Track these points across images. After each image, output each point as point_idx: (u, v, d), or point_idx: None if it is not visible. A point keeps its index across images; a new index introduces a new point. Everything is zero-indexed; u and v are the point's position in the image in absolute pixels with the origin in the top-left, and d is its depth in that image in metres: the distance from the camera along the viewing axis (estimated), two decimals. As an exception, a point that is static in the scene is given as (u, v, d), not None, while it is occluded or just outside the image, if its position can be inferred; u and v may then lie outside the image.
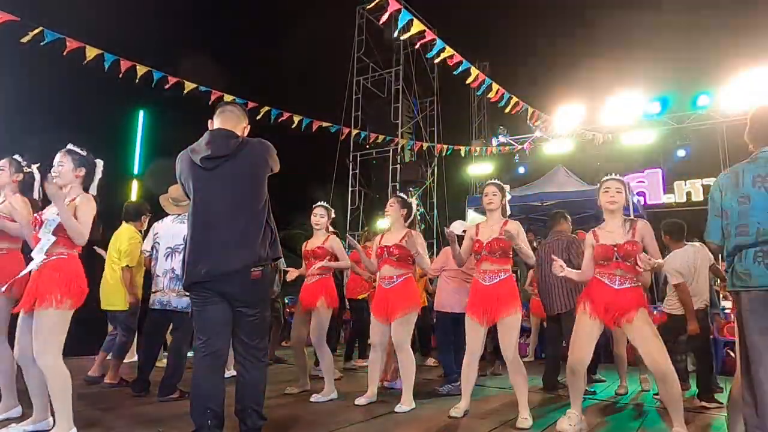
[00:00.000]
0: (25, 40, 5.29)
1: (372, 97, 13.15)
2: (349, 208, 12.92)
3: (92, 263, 4.98)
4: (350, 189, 13.01)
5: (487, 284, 3.61)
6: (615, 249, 3.13)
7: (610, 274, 3.16)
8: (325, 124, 9.20)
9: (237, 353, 2.55)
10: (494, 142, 12.64)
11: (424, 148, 11.46)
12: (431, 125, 13.58)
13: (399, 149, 12.00)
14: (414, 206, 4.23)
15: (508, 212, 3.85)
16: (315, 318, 4.26)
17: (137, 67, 6.34)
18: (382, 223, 9.60)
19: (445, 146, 11.62)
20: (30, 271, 2.77)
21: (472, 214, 9.67)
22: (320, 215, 4.42)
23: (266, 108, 8.03)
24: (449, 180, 13.24)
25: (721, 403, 4.27)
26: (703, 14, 10.59)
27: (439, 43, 6.22)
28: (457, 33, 12.04)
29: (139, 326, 4.61)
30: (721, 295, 7.20)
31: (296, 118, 8.54)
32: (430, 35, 6.10)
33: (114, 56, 6.10)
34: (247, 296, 2.47)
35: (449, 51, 6.31)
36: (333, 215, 4.63)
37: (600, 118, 10.64)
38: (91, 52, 5.86)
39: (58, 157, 2.89)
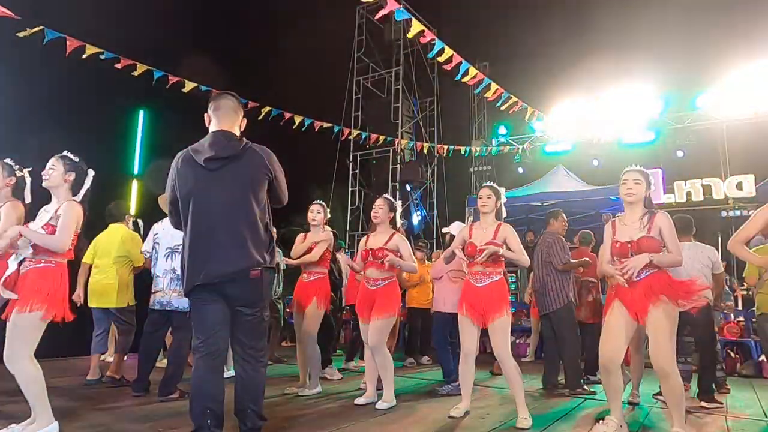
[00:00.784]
0: (22, 35, 5.29)
1: (372, 97, 13.15)
2: (349, 208, 12.93)
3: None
4: (350, 189, 13.01)
5: (479, 285, 3.63)
6: (629, 246, 3.07)
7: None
8: (326, 125, 9.20)
9: (236, 354, 2.54)
10: (494, 142, 12.66)
11: (425, 150, 11.46)
12: (431, 125, 13.58)
13: (399, 149, 11.99)
14: (399, 208, 4.23)
15: (504, 214, 3.86)
16: (306, 317, 4.28)
17: (137, 65, 6.34)
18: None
19: (446, 146, 11.63)
20: (8, 276, 2.79)
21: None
22: (316, 211, 4.47)
23: (267, 108, 8.04)
24: (449, 180, 13.23)
25: (721, 404, 4.27)
26: (703, 14, 10.59)
27: (438, 43, 6.22)
28: (457, 33, 12.05)
29: (140, 326, 4.61)
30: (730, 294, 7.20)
31: (297, 119, 8.55)
32: (429, 35, 6.09)
33: (114, 54, 6.09)
34: (245, 296, 2.47)
35: (448, 51, 6.31)
36: (329, 214, 4.67)
37: (600, 118, 10.64)
38: (91, 51, 5.85)
39: (50, 162, 2.95)
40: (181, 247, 4.07)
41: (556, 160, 11.24)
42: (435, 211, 13.05)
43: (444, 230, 3.99)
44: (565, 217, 5.14)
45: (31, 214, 3.04)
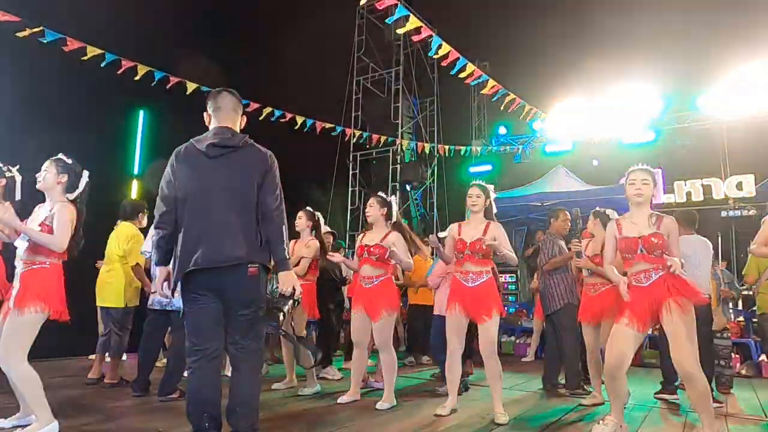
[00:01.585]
0: (21, 35, 5.28)
1: (372, 97, 13.15)
2: (349, 208, 12.92)
3: (88, 262, 5.01)
4: (350, 189, 13.00)
5: (469, 286, 3.65)
6: (639, 240, 3.03)
7: (636, 274, 3.04)
8: (327, 126, 9.21)
9: (229, 354, 2.50)
10: (494, 142, 12.66)
11: (427, 150, 11.45)
12: (431, 125, 13.56)
13: (399, 149, 11.99)
14: (395, 204, 4.22)
15: (495, 210, 3.87)
16: (295, 321, 4.29)
17: (138, 66, 6.34)
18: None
19: (446, 147, 11.63)
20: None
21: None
22: (300, 218, 4.58)
23: (269, 109, 8.03)
24: (449, 180, 13.22)
25: (721, 403, 4.27)
26: (703, 14, 10.58)
27: (435, 40, 6.21)
28: (456, 32, 12.03)
29: (140, 326, 4.61)
30: (721, 297, 7.21)
31: (299, 119, 8.55)
32: (426, 31, 6.08)
33: (115, 56, 6.10)
34: (241, 294, 2.41)
35: (446, 47, 6.30)
36: (321, 219, 4.75)
37: (600, 118, 10.64)
38: (92, 52, 5.85)
39: (44, 165, 3.00)
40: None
41: (556, 160, 11.24)
42: (435, 211, 13.04)
43: (440, 235, 4.00)
44: (567, 216, 5.05)
45: (26, 213, 3.04)
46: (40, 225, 2.85)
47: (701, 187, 9.40)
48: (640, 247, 3.02)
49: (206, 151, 2.48)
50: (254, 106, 7.72)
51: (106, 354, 4.68)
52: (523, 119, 9.47)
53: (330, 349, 5.61)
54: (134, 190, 7.86)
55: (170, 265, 2.52)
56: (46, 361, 5.13)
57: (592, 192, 9.33)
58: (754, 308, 5.45)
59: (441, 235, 4.07)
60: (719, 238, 7.96)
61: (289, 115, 8.35)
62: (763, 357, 6.24)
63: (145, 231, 4.59)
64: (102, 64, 5.96)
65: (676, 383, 4.32)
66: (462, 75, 6.68)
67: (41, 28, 5.40)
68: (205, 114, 2.68)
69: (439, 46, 6.25)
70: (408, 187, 12.48)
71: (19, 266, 2.86)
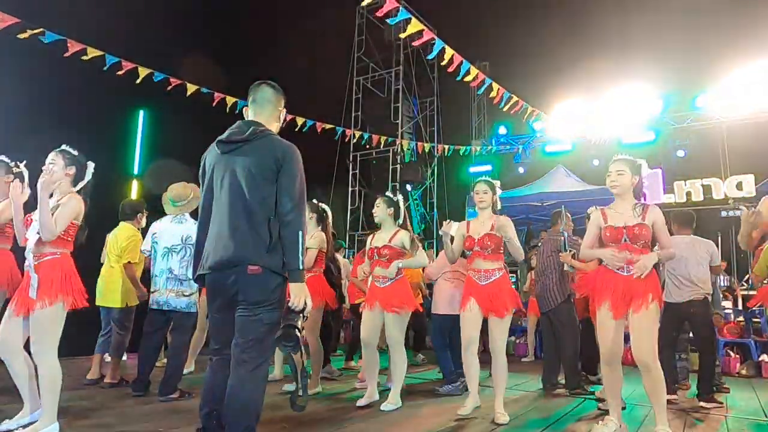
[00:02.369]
0: (22, 36, 5.29)
1: (372, 97, 13.15)
2: (349, 208, 12.93)
3: (89, 261, 5.01)
4: (350, 189, 13.01)
5: (482, 284, 3.63)
6: (624, 230, 3.06)
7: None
8: (328, 126, 9.22)
9: (231, 353, 2.35)
10: (494, 142, 12.66)
11: (426, 149, 11.45)
12: (431, 125, 13.57)
13: (399, 149, 12.00)
14: (402, 203, 4.21)
15: (499, 206, 3.86)
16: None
17: (138, 68, 6.35)
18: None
19: (446, 146, 11.62)
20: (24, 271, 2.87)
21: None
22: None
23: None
24: (449, 180, 13.23)
25: (721, 403, 4.27)
26: (703, 14, 10.58)
27: (438, 43, 6.21)
28: (457, 33, 12.04)
29: (140, 326, 4.61)
30: (721, 296, 7.21)
31: (299, 120, 8.55)
32: (428, 34, 6.09)
33: (116, 58, 6.10)
34: (242, 293, 2.29)
35: (449, 51, 6.30)
36: (324, 211, 4.68)
37: (600, 118, 10.64)
38: (93, 53, 5.86)
39: (50, 156, 2.97)
40: (179, 247, 4.12)
41: (556, 160, 11.24)
42: (435, 211, 13.05)
43: (443, 226, 3.93)
44: (569, 216, 5.10)
45: (31, 207, 3.05)
46: None
47: (701, 187, 9.40)
48: (625, 236, 3.06)
49: (218, 147, 2.44)
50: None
51: (105, 354, 4.68)
52: (523, 119, 9.48)
53: (329, 347, 5.61)
54: (134, 190, 7.87)
55: None
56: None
57: (592, 192, 9.33)
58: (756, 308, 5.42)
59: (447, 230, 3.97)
60: (719, 238, 7.95)
61: (289, 116, 8.36)
62: (763, 357, 6.23)
63: (144, 231, 4.60)
64: (104, 69, 5.97)
65: (675, 384, 4.32)
66: (467, 79, 6.69)
67: (41, 29, 5.40)
68: (244, 109, 2.62)
69: (442, 50, 6.25)
70: (408, 187, 12.49)
71: (30, 258, 2.85)
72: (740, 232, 3.77)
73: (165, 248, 4.11)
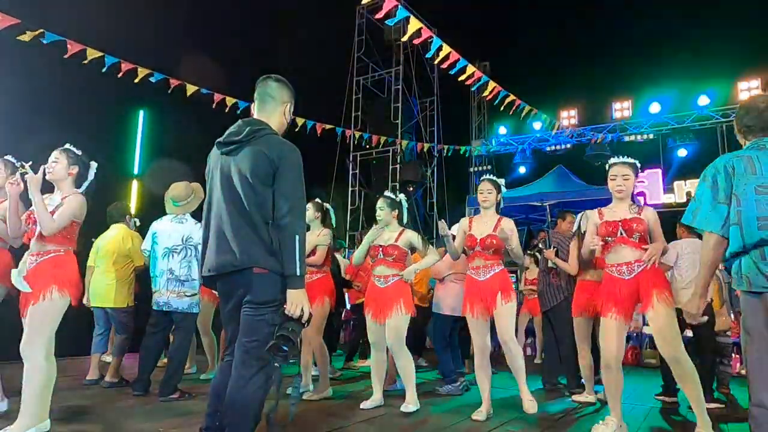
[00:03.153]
0: (22, 38, 5.29)
1: (372, 97, 13.15)
2: (349, 208, 12.92)
3: (82, 265, 5.01)
4: (350, 189, 13.00)
5: (481, 279, 3.63)
6: (620, 223, 3.10)
7: (618, 266, 3.10)
8: (328, 127, 9.22)
9: (234, 356, 2.31)
10: (494, 142, 12.66)
11: (425, 149, 11.45)
12: (431, 125, 13.57)
13: (399, 149, 12.00)
14: (404, 203, 4.18)
15: (501, 205, 3.86)
16: (313, 316, 4.26)
17: (138, 69, 6.34)
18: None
19: (446, 146, 11.62)
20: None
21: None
22: (306, 209, 4.48)
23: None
24: (449, 180, 13.23)
25: (723, 402, 4.27)
26: (702, 14, 10.59)
27: (436, 41, 6.20)
28: (456, 33, 12.04)
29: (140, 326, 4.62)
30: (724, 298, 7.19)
31: (299, 120, 8.55)
32: (426, 33, 6.08)
33: (115, 59, 6.10)
34: (243, 293, 2.24)
35: (446, 49, 6.29)
36: (327, 210, 4.64)
37: (600, 118, 10.65)
38: (92, 54, 5.86)
39: (54, 155, 2.96)
40: (179, 247, 4.12)
41: (556, 160, 11.25)
42: (435, 211, 13.04)
43: (440, 225, 3.91)
44: (573, 218, 5.08)
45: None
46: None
47: (701, 187, 9.39)
48: (620, 229, 3.09)
49: (217, 148, 2.42)
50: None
51: (102, 354, 4.69)
52: (523, 119, 9.48)
53: (330, 348, 5.60)
54: (134, 190, 7.87)
55: None
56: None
57: (592, 192, 9.33)
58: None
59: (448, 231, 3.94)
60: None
61: (289, 117, 8.36)
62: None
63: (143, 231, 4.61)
64: (103, 70, 5.96)
65: (677, 386, 4.32)
66: (462, 77, 6.67)
67: (41, 30, 5.40)
68: (252, 105, 2.59)
69: (440, 48, 6.24)
70: (408, 187, 12.48)
71: (32, 260, 2.81)
72: None
73: (165, 248, 4.10)
